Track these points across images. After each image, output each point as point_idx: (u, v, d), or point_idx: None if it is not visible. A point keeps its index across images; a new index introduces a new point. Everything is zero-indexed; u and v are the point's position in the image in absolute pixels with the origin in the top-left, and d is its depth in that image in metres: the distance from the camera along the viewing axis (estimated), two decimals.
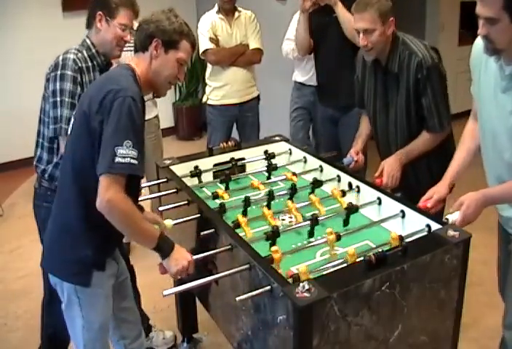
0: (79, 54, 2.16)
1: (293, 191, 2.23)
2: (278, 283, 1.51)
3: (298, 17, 3.51)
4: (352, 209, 2.02)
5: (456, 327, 1.82)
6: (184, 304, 2.69)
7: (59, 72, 2.11)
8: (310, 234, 1.96)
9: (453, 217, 1.87)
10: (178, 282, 2.58)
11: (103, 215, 1.69)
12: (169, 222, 1.99)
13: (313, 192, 2.26)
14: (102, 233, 1.79)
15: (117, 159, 1.62)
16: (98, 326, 1.90)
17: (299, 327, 1.47)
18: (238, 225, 1.94)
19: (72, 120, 1.86)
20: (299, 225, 1.98)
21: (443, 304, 1.75)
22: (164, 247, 1.75)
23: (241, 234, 1.87)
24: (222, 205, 2.08)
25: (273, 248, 1.74)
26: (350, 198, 2.18)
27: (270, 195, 2.17)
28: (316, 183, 2.27)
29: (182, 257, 1.77)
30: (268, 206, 2.15)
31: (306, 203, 2.12)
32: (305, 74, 3.74)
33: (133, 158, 1.64)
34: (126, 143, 1.63)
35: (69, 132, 1.86)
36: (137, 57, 1.83)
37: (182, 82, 1.86)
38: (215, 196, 2.24)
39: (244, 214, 2.10)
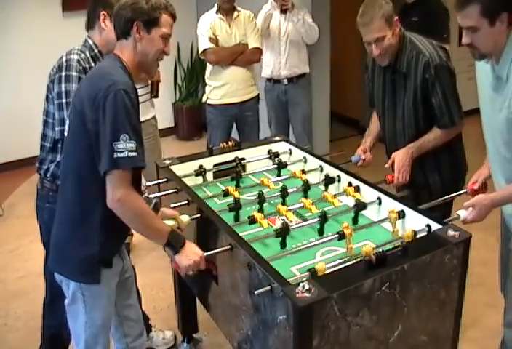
0: (82, 55, 2.15)
1: (306, 188, 2.25)
2: (278, 283, 1.51)
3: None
4: (359, 206, 2.03)
5: (456, 327, 1.82)
6: (184, 304, 2.69)
7: (63, 73, 2.09)
8: (320, 232, 1.97)
9: (463, 213, 1.91)
10: (179, 282, 2.59)
11: (108, 213, 1.70)
12: (185, 218, 2.01)
13: (326, 189, 2.29)
14: (108, 231, 1.80)
15: (116, 154, 1.63)
16: (101, 322, 1.92)
17: (299, 327, 1.47)
18: (254, 220, 1.96)
19: (67, 121, 1.86)
20: (308, 222, 1.99)
21: (443, 304, 1.74)
22: (175, 243, 1.77)
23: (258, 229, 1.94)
24: (236, 201, 2.08)
25: (344, 224, 1.82)
26: (350, 198, 2.18)
27: (284, 192, 2.18)
28: (328, 180, 2.28)
29: (193, 252, 1.78)
30: (283, 203, 2.17)
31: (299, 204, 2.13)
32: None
33: (131, 151, 1.65)
34: (122, 137, 1.64)
35: (65, 133, 1.86)
36: (120, 44, 1.82)
37: (169, 54, 1.88)
38: (226, 194, 2.24)
39: (260, 210, 2.12)
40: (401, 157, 2.34)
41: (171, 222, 1.94)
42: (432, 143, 2.36)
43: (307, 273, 1.59)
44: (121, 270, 1.98)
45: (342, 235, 1.81)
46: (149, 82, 3.33)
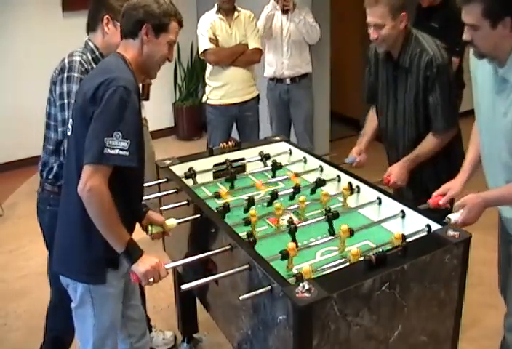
0: (84, 57, 2.15)
1: (296, 191, 2.22)
2: (278, 283, 1.51)
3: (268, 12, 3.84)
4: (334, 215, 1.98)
5: (456, 327, 1.82)
6: (184, 304, 2.69)
7: (65, 74, 2.09)
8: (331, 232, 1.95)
9: (454, 216, 1.88)
10: (179, 282, 2.59)
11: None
12: (173, 221, 2.01)
13: (314, 192, 2.27)
14: None
15: (106, 150, 1.63)
16: (109, 324, 1.92)
17: (299, 327, 1.47)
18: (248, 221, 1.96)
19: (70, 119, 1.86)
20: (312, 221, 1.99)
21: (443, 304, 1.75)
22: (132, 252, 1.73)
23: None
24: (225, 205, 2.07)
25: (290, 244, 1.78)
26: (350, 198, 2.18)
27: (273, 195, 2.17)
28: (320, 183, 2.27)
29: (150, 261, 1.74)
30: (269, 206, 2.16)
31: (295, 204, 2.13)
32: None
33: (122, 150, 1.64)
34: (115, 134, 1.64)
35: (69, 132, 1.86)
36: (126, 43, 1.82)
37: (172, 61, 1.90)
38: (217, 196, 2.24)
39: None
40: (396, 172, 2.37)
41: (156, 229, 1.96)
42: (426, 153, 2.38)
43: (293, 278, 1.59)
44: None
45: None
46: (140, 85, 3.31)
